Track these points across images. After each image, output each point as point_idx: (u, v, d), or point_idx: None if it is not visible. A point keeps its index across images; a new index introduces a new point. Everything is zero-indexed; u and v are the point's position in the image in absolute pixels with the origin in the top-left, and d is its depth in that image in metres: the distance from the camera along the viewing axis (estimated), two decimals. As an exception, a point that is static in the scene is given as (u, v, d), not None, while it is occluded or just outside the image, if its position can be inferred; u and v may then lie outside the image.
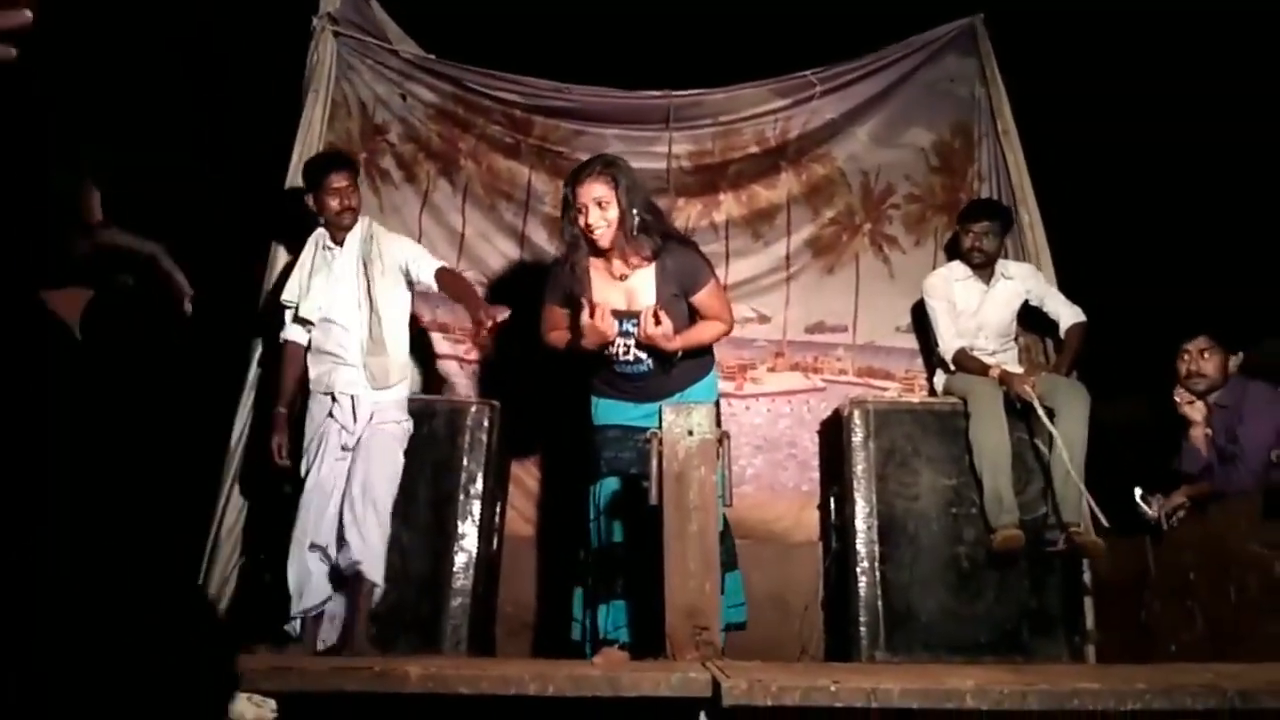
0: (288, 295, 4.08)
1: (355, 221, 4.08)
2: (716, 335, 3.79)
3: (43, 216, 1.10)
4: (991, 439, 4.21)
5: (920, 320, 4.98)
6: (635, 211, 3.60)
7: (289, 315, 4.08)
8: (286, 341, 4.09)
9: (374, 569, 3.77)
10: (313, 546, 3.78)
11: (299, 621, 3.77)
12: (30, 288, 1.08)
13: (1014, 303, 4.70)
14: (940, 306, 4.67)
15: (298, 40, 4.95)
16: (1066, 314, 4.67)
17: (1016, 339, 4.79)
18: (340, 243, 4.06)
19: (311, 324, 4.02)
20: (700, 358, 3.77)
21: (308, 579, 3.77)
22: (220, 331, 4.65)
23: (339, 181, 4.01)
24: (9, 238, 1.09)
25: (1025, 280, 4.72)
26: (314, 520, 3.80)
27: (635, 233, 3.61)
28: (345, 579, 3.82)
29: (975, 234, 4.64)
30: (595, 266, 3.72)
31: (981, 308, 4.64)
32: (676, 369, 3.67)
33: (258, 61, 5.03)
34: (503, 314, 3.66)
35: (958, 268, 4.73)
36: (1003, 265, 4.72)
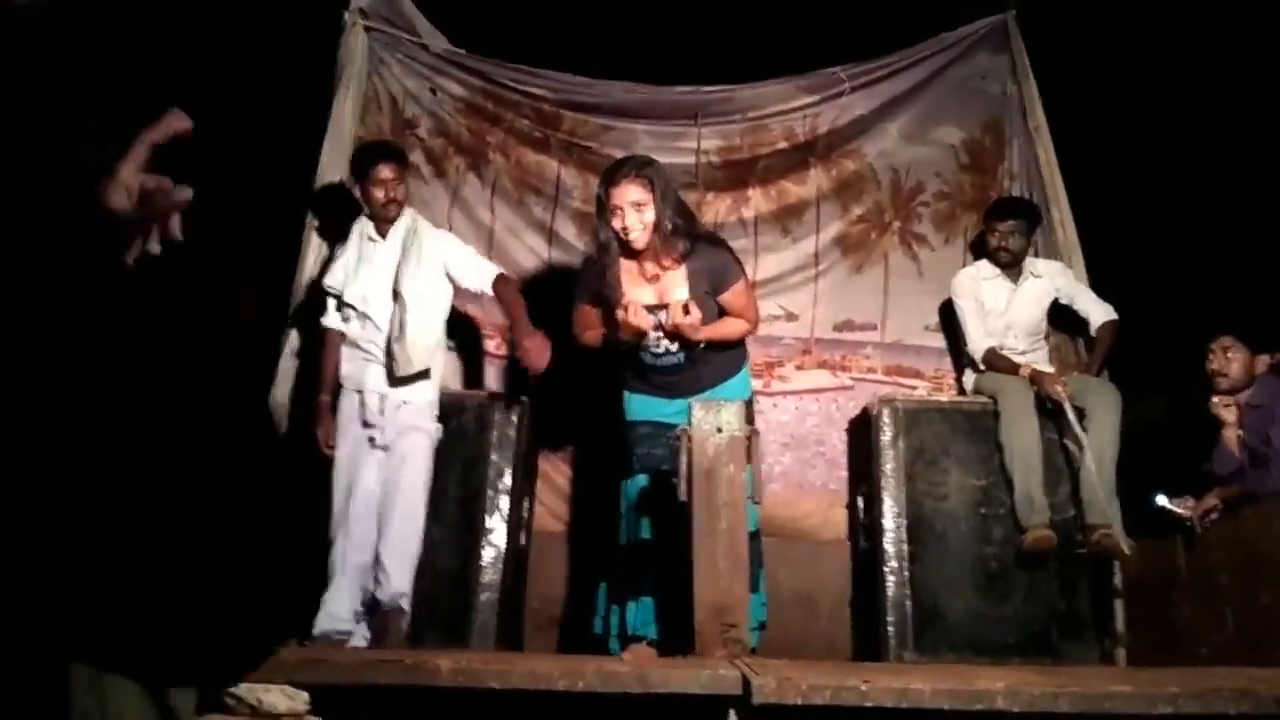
0: (331, 281, 4.10)
1: (400, 214, 4.10)
2: (740, 332, 3.78)
3: (43, 215, 1.10)
4: (1022, 439, 4.19)
5: (948, 319, 4.96)
6: (669, 214, 3.59)
7: (331, 303, 4.11)
8: (326, 329, 4.11)
9: (408, 598, 3.82)
10: (354, 568, 3.80)
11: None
12: (30, 284, 1.09)
13: (1043, 301, 4.67)
14: (968, 306, 4.65)
15: (328, 34, 4.97)
16: (1097, 312, 4.63)
17: (1047, 338, 4.76)
18: (384, 235, 4.09)
19: (353, 309, 4.04)
20: (732, 354, 3.78)
21: (339, 603, 3.78)
22: (254, 322, 4.69)
23: (386, 173, 4.04)
24: (8, 236, 1.09)
25: (1054, 278, 4.69)
26: (356, 537, 3.82)
27: (669, 235, 3.59)
28: (372, 609, 3.84)
29: (1001, 233, 4.62)
30: (626, 269, 3.71)
31: (1010, 307, 4.62)
32: (708, 366, 3.68)
33: (288, 56, 5.05)
34: (543, 356, 3.74)
35: (985, 266, 4.71)
36: (1031, 263, 4.69)
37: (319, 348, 4.15)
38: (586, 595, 4.05)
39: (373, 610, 3.85)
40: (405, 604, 3.81)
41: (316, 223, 4.69)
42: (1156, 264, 5.25)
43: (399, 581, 3.78)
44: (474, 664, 2.49)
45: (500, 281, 4.07)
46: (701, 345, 3.63)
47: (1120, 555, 4.11)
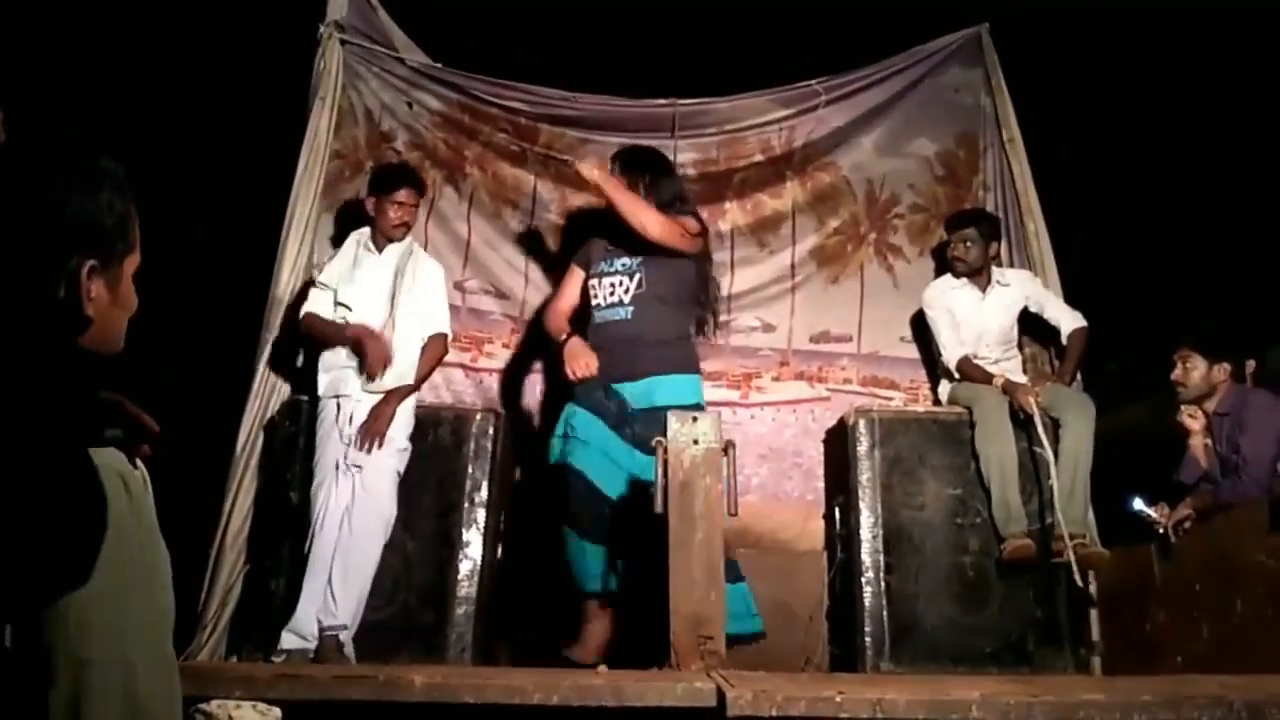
0: (325, 278, 4.18)
1: (405, 238, 4.22)
2: (650, 214, 3.98)
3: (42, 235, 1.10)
4: (998, 448, 4.21)
5: (921, 331, 4.98)
6: (642, 185, 4.08)
7: (316, 293, 4.17)
8: (309, 314, 4.16)
9: (349, 632, 3.74)
10: (320, 583, 3.78)
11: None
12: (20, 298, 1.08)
13: (1012, 309, 4.70)
14: (940, 317, 4.68)
15: (304, 48, 4.96)
16: (1067, 319, 4.66)
17: (1021, 348, 4.79)
18: (380, 249, 4.18)
19: (347, 308, 4.08)
20: (682, 348, 4.00)
21: (305, 620, 3.73)
22: (225, 338, 4.67)
23: (406, 197, 4.17)
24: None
25: (1023, 286, 4.72)
26: (322, 553, 3.80)
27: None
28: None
29: (954, 243, 4.68)
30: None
31: (979, 316, 4.65)
32: (652, 348, 3.87)
33: (264, 69, 5.05)
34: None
35: (951, 277, 4.75)
36: (999, 273, 4.73)
37: (310, 332, 4.16)
38: (565, 609, 4.05)
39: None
40: (344, 637, 3.72)
41: (292, 235, 4.66)
42: (1130, 274, 5.31)
43: (343, 612, 3.72)
44: (448, 679, 2.48)
45: (434, 339, 4.19)
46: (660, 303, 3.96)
47: (1096, 565, 4.13)
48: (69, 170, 1.13)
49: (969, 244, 4.66)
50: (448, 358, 4.89)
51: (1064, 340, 4.66)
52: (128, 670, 0.93)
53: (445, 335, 4.24)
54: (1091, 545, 4.11)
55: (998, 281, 4.69)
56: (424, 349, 4.15)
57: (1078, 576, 4.06)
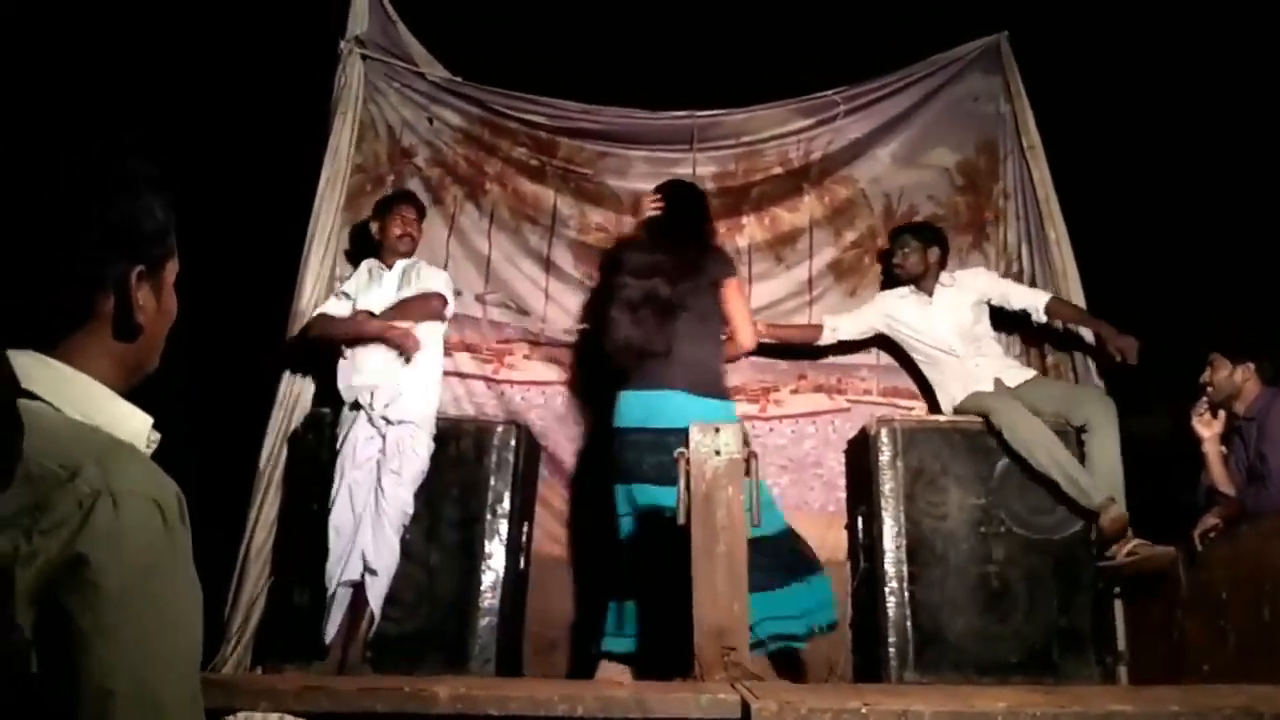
0: (348, 289, 4.44)
1: (411, 252, 4.46)
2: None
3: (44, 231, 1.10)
4: (1035, 433, 4.20)
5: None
6: None
7: (334, 299, 4.44)
8: (323, 314, 4.37)
9: (377, 595, 3.91)
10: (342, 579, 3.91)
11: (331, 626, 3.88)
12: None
13: (963, 307, 4.71)
14: (864, 308, 4.92)
15: (326, 63, 4.99)
16: (1036, 298, 4.70)
17: (1028, 350, 4.88)
18: (390, 265, 4.41)
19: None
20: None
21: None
22: (249, 352, 4.70)
23: (408, 213, 4.46)
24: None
25: (974, 280, 4.78)
26: (346, 547, 3.93)
27: None
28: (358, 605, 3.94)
29: (894, 250, 4.84)
30: None
31: (928, 322, 4.72)
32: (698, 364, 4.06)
33: (286, 83, 5.09)
34: None
35: (902, 288, 4.85)
36: (944, 276, 4.78)
37: (319, 329, 4.33)
38: (588, 618, 4.06)
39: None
40: (372, 594, 3.93)
41: (314, 249, 4.68)
42: (1155, 280, 5.27)
43: (369, 581, 3.92)
44: (472, 690, 2.48)
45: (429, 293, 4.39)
46: None
47: (1160, 565, 4.08)
48: (106, 173, 1.13)
49: (906, 251, 4.77)
50: (470, 369, 4.96)
51: (1043, 316, 4.66)
52: (154, 705, 0.93)
53: (442, 295, 4.38)
54: (1148, 546, 4.08)
55: (941, 284, 4.75)
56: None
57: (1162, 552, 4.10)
